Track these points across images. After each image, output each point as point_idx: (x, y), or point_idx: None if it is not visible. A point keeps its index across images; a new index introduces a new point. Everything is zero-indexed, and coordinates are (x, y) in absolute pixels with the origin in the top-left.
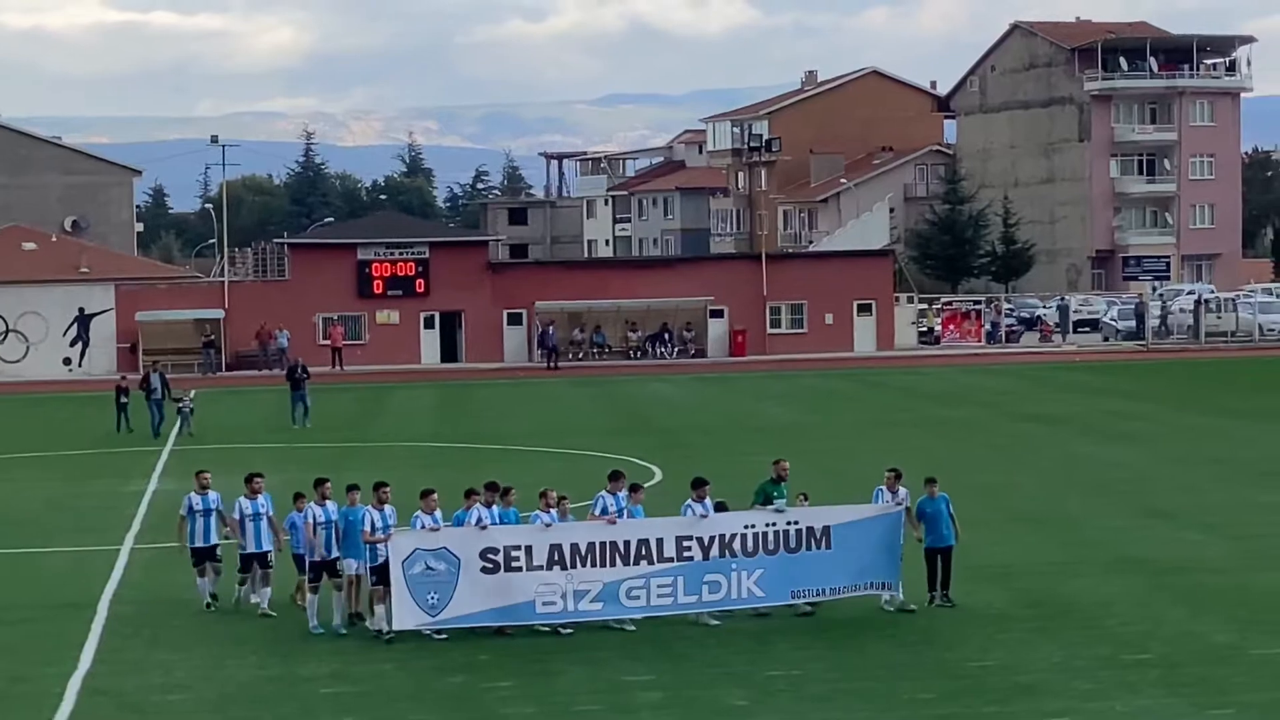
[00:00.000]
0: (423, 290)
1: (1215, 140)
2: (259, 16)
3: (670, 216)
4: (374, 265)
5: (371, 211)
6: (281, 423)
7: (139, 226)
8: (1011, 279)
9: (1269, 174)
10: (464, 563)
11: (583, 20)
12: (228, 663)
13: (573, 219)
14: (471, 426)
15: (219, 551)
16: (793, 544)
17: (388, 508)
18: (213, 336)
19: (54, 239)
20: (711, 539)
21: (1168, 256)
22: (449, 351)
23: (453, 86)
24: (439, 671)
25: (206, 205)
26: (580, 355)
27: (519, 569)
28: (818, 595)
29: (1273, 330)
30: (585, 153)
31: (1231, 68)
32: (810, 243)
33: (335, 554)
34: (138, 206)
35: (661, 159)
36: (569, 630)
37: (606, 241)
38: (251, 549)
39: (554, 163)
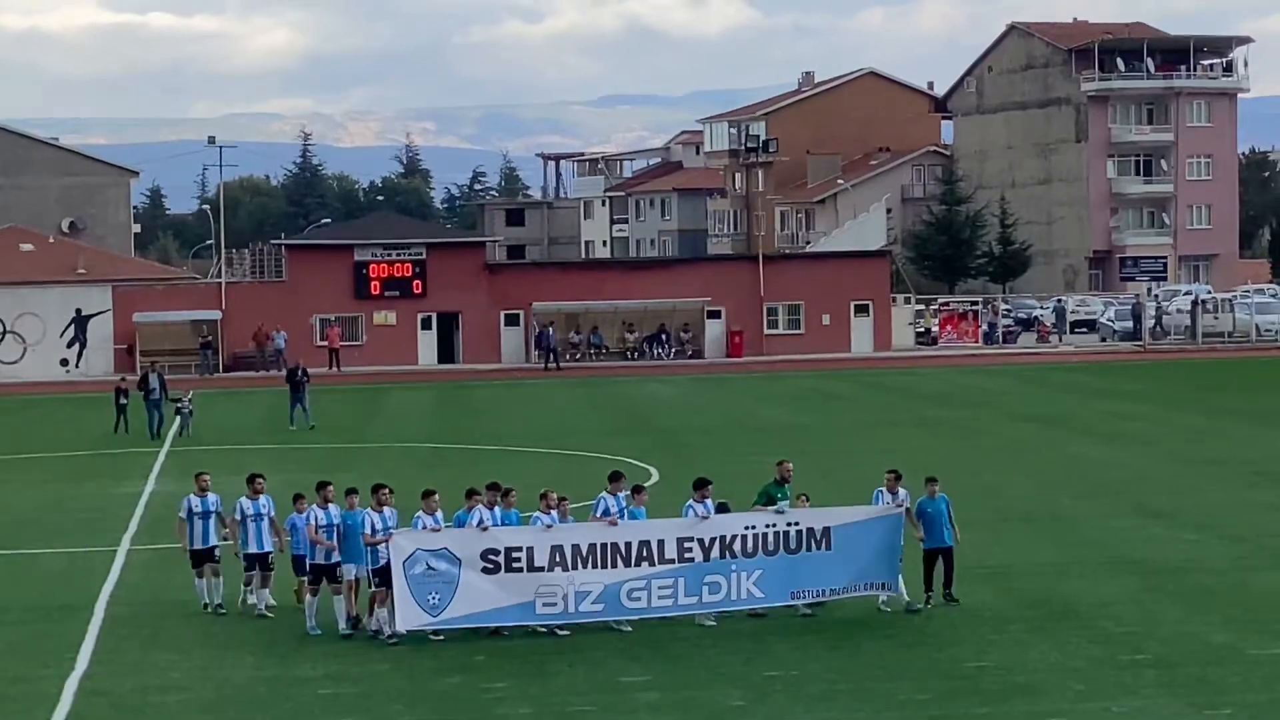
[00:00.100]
0: (420, 291)
1: (1212, 141)
2: (255, 18)
3: (667, 217)
4: (371, 266)
5: (369, 212)
6: (279, 424)
7: (136, 228)
8: (1009, 280)
9: (1266, 175)
10: (465, 563)
11: (580, 21)
12: (225, 664)
13: (570, 220)
14: (469, 427)
15: (218, 554)
16: (793, 545)
17: (387, 510)
18: (210, 338)
19: (51, 240)
20: (712, 540)
21: (1165, 257)
22: (446, 352)
23: (450, 87)
24: (436, 672)
25: (204, 206)
26: (577, 356)
27: (520, 570)
28: (817, 596)
29: (1269, 331)
30: (583, 153)
31: (1228, 68)
32: (807, 243)
33: (336, 558)
34: (135, 208)
35: (659, 160)
36: (566, 632)
37: (604, 242)
38: (253, 549)
39: (551, 163)
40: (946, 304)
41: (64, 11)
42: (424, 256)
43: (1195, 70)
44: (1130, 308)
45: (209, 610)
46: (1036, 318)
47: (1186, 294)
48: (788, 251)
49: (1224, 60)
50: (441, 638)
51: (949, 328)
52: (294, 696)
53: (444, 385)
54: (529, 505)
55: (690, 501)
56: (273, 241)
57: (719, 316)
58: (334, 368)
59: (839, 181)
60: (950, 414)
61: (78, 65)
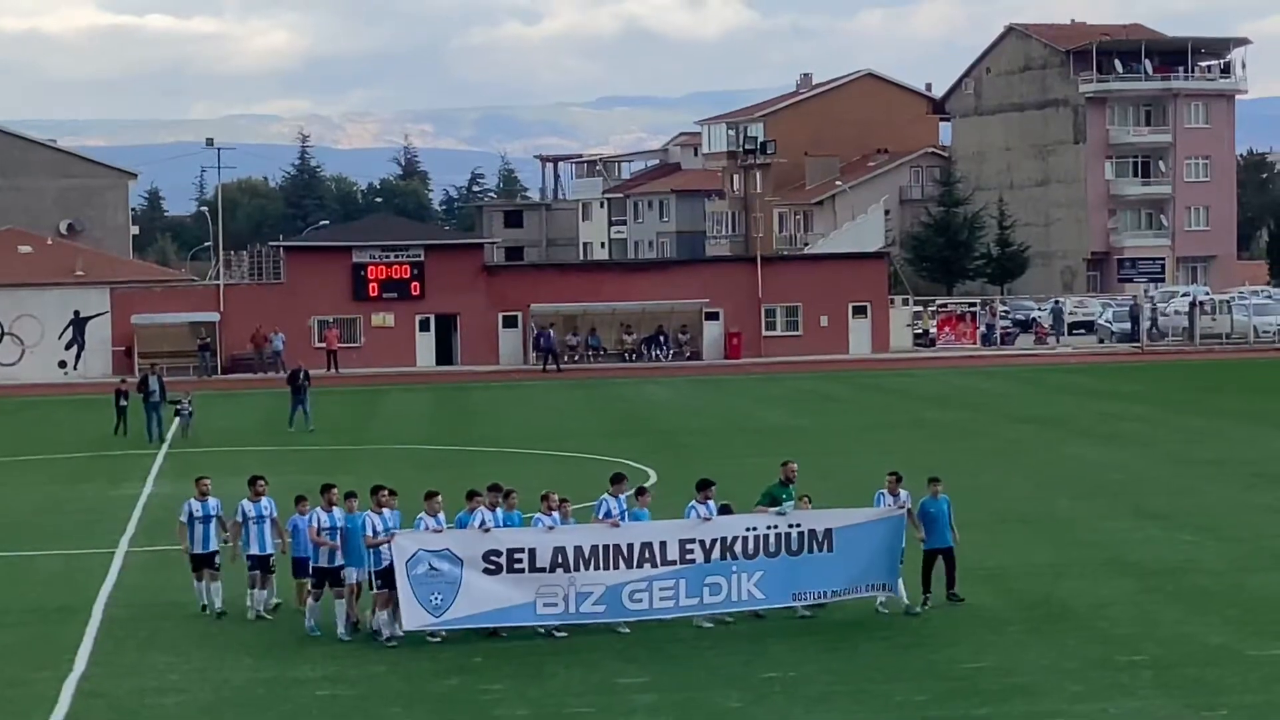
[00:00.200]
0: (418, 293)
1: (1210, 142)
2: (254, 20)
3: (666, 219)
4: (369, 268)
5: (367, 214)
6: (278, 426)
7: (134, 229)
8: (1007, 281)
9: (1264, 176)
10: (467, 564)
11: (578, 22)
12: (223, 665)
13: (568, 221)
14: (467, 429)
15: (218, 559)
16: (794, 547)
17: (387, 511)
18: (208, 339)
19: (49, 242)
20: (713, 541)
21: (1163, 258)
22: (444, 354)
23: (448, 89)
24: (434, 674)
25: (202, 208)
26: (575, 358)
27: (521, 571)
28: (818, 598)
29: (1267, 332)
30: (581, 155)
31: (1226, 70)
32: (806, 245)
33: (339, 561)
34: (133, 209)
35: (657, 161)
36: (564, 633)
37: (602, 244)
38: (254, 551)
39: (549, 165)
40: (944, 305)
41: (63, 13)
42: (422, 258)
43: (1193, 72)
44: (1128, 309)
45: (207, 613)
46: (1034, 319)
47: (1184, 295)
48: (786, 253)
49: (1222, 62)
50: (439, 639)
51: (947, 329)
52: (292, 698)
53: (442, 387)
54: (530, 507)
55: (693, 502)
56: (271, 243)
57: (717, 318)
58: (332, 369)
59: (837, 183)
60: (948, 415)
61: (76, 67)
